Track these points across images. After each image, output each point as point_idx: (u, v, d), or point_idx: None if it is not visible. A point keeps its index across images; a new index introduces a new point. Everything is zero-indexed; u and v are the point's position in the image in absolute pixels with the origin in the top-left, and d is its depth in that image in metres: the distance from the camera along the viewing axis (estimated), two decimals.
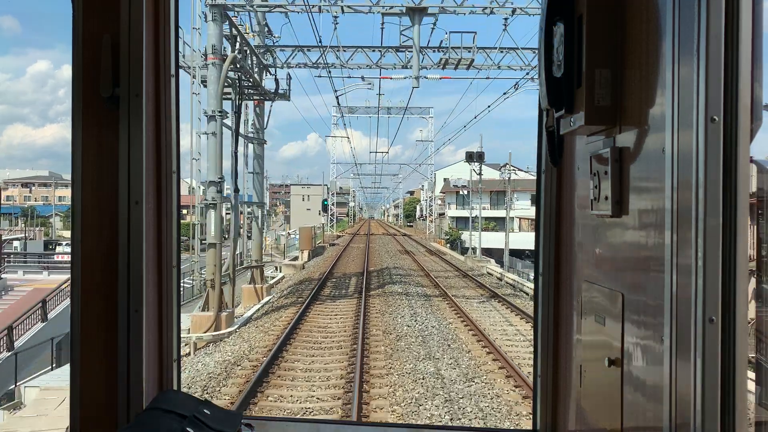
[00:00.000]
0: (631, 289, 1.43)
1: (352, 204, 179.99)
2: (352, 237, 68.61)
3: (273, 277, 32.31)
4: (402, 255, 40.89)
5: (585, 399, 1.68)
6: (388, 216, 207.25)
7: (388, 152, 67.92)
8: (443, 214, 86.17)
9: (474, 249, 45.73)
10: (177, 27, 1.89)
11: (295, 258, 41.32)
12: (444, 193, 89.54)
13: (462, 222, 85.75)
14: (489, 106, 27.73)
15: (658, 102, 1.29)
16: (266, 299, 22.04)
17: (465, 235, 76.06)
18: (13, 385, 13.64)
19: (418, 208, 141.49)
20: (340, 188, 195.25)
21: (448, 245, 68.85)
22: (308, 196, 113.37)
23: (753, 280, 1.42)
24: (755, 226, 1.60)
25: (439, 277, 27.25)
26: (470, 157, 41.00)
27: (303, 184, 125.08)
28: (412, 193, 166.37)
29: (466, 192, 50.00)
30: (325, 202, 55.80)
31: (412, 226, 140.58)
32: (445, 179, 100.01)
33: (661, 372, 1.25)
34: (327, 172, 67.99)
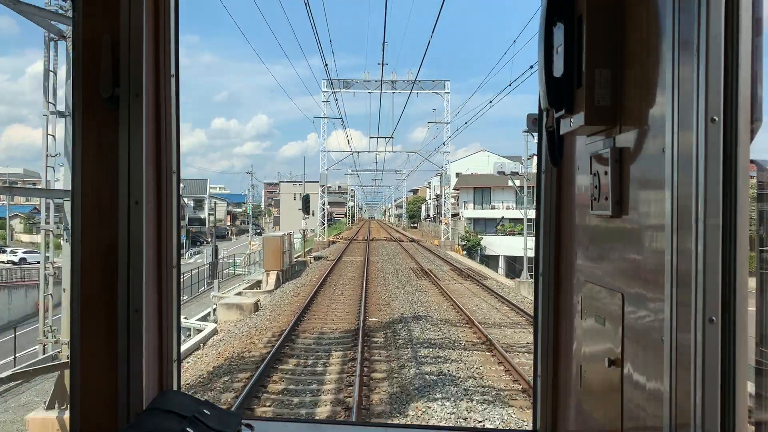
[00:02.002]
0: (631, 289, 1.42)
1: (351, 204, 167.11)
2: (348, 244, 54.38)
3: (199, 330, 18.33)
4: (420, 280, 25.61)
5: (585, 399, 1.68)
6: (389, 216, 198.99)
7: (392, 137, 54.72)
8: (457, 214, 72.28)
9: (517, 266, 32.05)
10: (177, 27, 1.88)
11: (257, 284, 27.25)
12: (458, 189, 75.37)
13: (480, 224, 71.80)
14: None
15: (658, 102, 1.30)
16: None
17: (485, 240, 62.20)
18: None
19: (423, 208, 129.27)
20: (339, 187, 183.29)
21: (465, 252, 55.27)
22: (300, 194, 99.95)
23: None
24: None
25: (511, 348, 13.26)
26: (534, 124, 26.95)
27: (294, 181, 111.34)
28: (415, 191, 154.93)
29: (518, 184, 36.46)
30: (308, 200, 41.81)
31: (416, 227, 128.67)
32: (457, 174, 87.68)
33: (661, 372, 1.25)
34: (317, 166, 55.23)
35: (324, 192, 57.40)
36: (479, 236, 64.09)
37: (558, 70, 1.59)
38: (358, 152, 58.69)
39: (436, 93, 54.08)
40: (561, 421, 1.89)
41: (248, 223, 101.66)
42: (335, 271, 29.91)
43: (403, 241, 60.39)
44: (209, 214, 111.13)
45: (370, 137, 55.78)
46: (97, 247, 1.72)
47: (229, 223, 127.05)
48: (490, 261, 57.10)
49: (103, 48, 1.69)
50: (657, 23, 1.30)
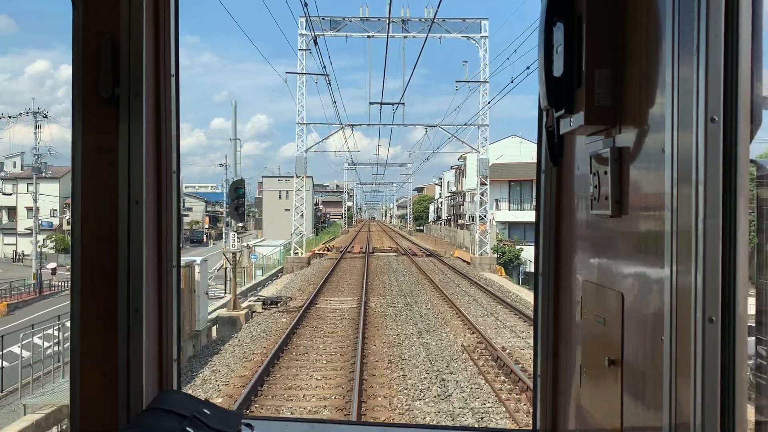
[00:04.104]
0: (631, 289, 1.42)
1: (349, 204, 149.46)
2: (337, 261, 36.77)
3: None
4: None
5: (585, 399, 1.67)
6: (390, 217, 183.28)
7: (403, 103, 36.34)
8: (483, 217, 54.15)
9: None
10: (177, 27, 1.87)
11: None
12: (485, 184, 57.18)
13: (518, 230, 53.38)
14: None
15: (658, 102, 1.30)
16: None
17: (526, 252, 44.12)
18: None
19: (431, 208, 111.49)
20: (337, 186, 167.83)
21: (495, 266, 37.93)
22: (287, 192, 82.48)
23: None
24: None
25: None
26: None
27: (281, 176, 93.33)
28: (421, 189, 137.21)
29: None
30: (240, 191, 19.56)
31: (422, 230, 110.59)
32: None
33: (661, 372, 1.25)
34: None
35: (304, 185, 39.26)
36: (519, 247, 46.25)
37: (558, 69, 1.58)
38: (353, 126, 40.02)
39: (468, 38, 36.57)
40: (561, 421, 1.88)
41: (225, 225, 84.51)
42: (285, 361, 12.29)
43: (416, 254, 42.56)
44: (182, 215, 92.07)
45: (371, 104, 37.86)
46: (97, 248, 1.72)
47: (207, 225, 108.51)
48: (531, 279, 38.85)
49: (103, 48, 1.69)
50: (657, 23, 1.30)
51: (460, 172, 76.87)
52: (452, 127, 37.71)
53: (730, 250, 1.14)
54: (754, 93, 1.15)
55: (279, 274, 36.97)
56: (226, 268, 39.90)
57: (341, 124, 36.75)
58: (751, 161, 1.16)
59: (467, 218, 69.55)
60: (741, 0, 1.14)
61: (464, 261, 40.37)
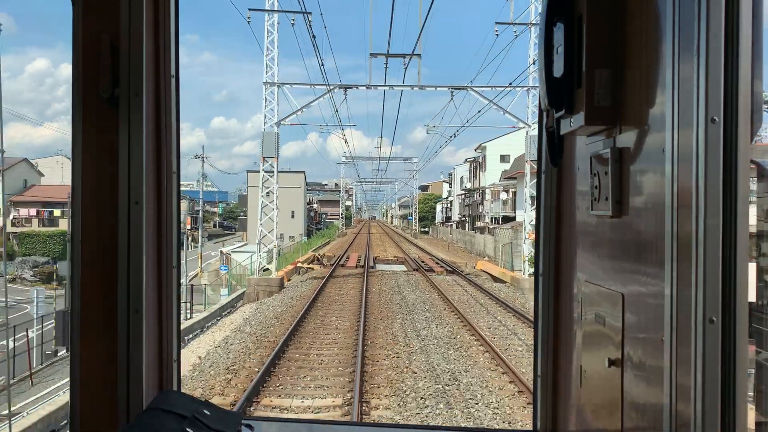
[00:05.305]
0: (631, 289, 1.43)
1: (349, 203, 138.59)
2: (321, 286, 25.56)
3: None
4: None
5: (585, 399, 1.67)
6: (392, 217, 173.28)
7: (419, 55, 25.69)
8: (513, 218, 43.68)
9: None
10: (177, 27, 1.86)
11: None
12: (513, 178, 46.30)
13: None
14: None
15: (658, 102, 1.30)
16: None
17: None
18: None
19: (438, 207, 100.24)
20: (336, 185, 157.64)
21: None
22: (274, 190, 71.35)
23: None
24: None
25: None
26: None
27: (269, 171, 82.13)
28: (425, 188, 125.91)
29: None
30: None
31: (427, 232, 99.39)
32: (503, 157, 58.63)
33: (661, 372, 1.25)
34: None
35: (275, 172, 27.65)
36: None
37: (558, 70, 1.58)
38: (346, 87, 27.53)
39: None
40: (561, 421, 1.88)
41: (215, 226, 73.77)
42: None
43: (432, 270, 31.35)
44: None
45: (372, 55, 26.05)
46: (97, 248, 1.72)
47: (189, 227, 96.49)
48: None
49: (103, 48, 1.68)
50: (657, 23, 1.30)
51: (477, 165, 64.98)
52: (488, 90, 26.31)
53: (730, 250, 1.14)
54: (754, 93, 1.14)
55: (237, 304, 25.71)
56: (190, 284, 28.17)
57: (328, 85, 25.45)
58: (751, 161, 1.16)
59: (488, 220, 56.67)
60: (741, 0, 1.14)
61: (495, 278, 29.20)
